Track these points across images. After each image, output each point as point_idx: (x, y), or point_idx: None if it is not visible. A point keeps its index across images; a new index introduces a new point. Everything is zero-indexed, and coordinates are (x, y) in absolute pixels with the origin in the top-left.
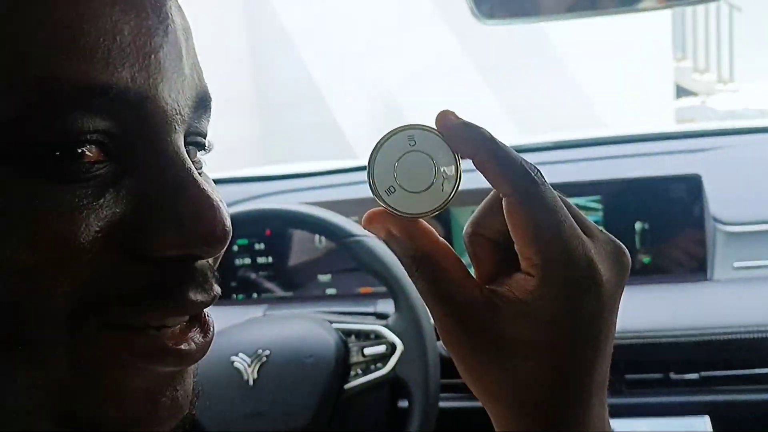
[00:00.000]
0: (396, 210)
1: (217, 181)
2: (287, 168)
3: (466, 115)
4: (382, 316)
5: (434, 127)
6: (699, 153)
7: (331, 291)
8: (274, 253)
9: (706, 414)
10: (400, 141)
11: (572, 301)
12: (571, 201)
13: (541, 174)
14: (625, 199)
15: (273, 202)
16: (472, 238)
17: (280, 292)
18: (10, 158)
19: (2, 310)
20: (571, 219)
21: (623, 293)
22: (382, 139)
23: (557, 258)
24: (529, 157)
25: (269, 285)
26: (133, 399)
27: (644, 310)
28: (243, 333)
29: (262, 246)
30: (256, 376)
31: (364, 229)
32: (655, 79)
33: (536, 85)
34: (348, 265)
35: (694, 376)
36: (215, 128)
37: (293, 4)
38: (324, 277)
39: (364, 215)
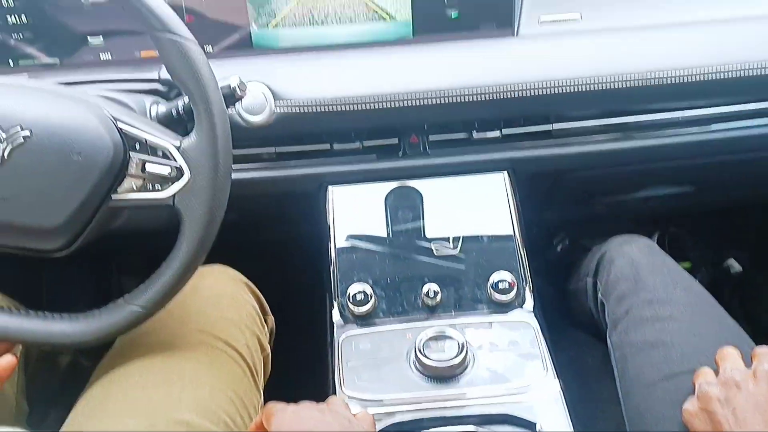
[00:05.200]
0: None
1: None
2: None
3: None
4: (166, 83)
5: None
6: None
7: (105, 56)
8: (29, 12)
9: (504, 170)
10: None
11: None
12: None
13: None
14: None
15: None
16: None
17: (44, 59)
18: None
19: None
20: None
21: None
22: None
23: None
24: None
25: (29, 50)
26: None
27: (450, 69)
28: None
29: (10, 3)
30: (5, 155)
31: None
32: None
33: None
34: (124, 26)
35: (495, 133)
36: None
37: None
38: (95, 40)
39: None
